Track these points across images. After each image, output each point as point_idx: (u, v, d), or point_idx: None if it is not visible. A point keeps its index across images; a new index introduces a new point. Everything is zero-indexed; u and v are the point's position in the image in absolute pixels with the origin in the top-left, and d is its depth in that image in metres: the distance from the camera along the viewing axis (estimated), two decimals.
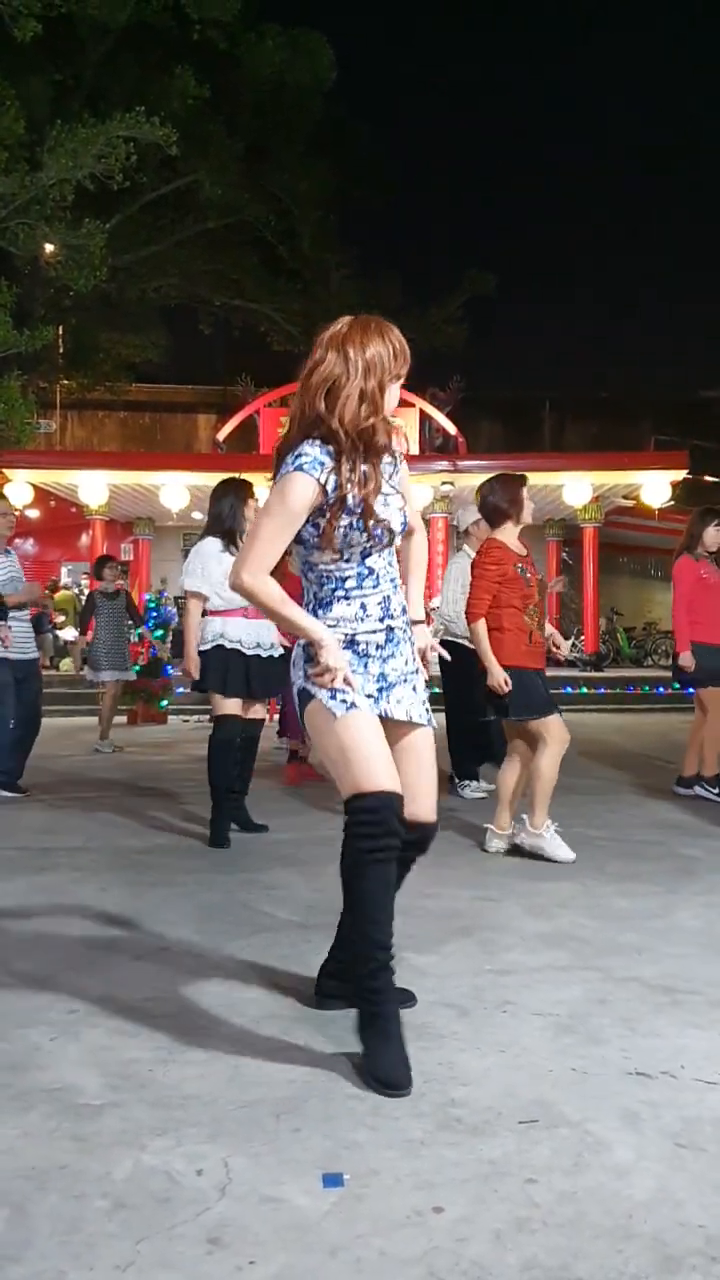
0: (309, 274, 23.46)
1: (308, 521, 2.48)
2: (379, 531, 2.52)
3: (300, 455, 2.45)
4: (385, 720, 2.56)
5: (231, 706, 5.13)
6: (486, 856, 4.76)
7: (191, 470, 17.68)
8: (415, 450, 18.80)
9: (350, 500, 2.46)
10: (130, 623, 9.82)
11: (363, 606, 2.55)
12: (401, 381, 2.55)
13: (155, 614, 13.36)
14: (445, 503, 17.76)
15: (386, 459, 2.56)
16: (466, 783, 6.54)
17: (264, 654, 5.16)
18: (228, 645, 5.05)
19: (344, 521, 2.47)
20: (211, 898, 4.00)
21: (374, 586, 2.56)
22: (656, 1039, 2.59)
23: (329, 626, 2.52)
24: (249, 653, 5.10)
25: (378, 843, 2.41)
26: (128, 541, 20.44)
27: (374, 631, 2.57)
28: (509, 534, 4.85)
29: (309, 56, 20.37)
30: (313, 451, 2.45)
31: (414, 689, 2.64)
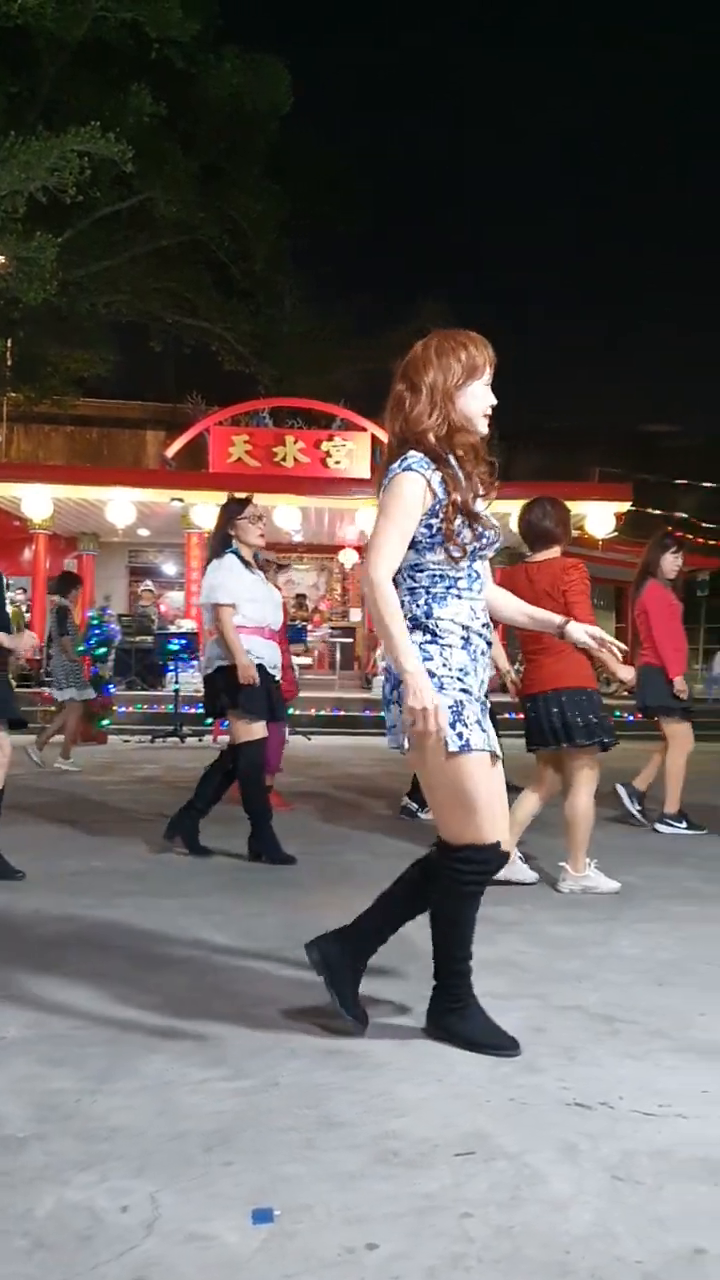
0: (262, 295, 23.52)
1: (420, 522, 2.58)
2: (484, 532, 2.63)
3: (405, 459, 2.60)
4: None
5: (259, 730, 5.04)
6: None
7: (138, 486, 17.56)
8: (366, 474, 18.85)
9: (458, 499, 2.57)
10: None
11: (472, 608, 2.64)
12: (483, 383, 2.67)
13: (98, 632, 13.19)
14: None
15: (482, 468, 2.68)
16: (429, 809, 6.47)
17: (277, 676, 5.14)
18: (255, 661, 4.97)
19: (456, 520, 2.57)
20: (148, 922, 3.92)
21: (479, 592, 2.67)
22: (595, 1068, 2.57)
23: (445, 621, 2.59)
24: (269, 671, 5.07)
25: (481, 886, 2.68)
26: (72, 557, 20.23)
27: (480, 635, 2.65)
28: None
29: (267, 80, 20.50)
30: (416, 455, 2.60)
31: (491, 715, 2.70)
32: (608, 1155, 2.12)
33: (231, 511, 5.15)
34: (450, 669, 2.57)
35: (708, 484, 22.80)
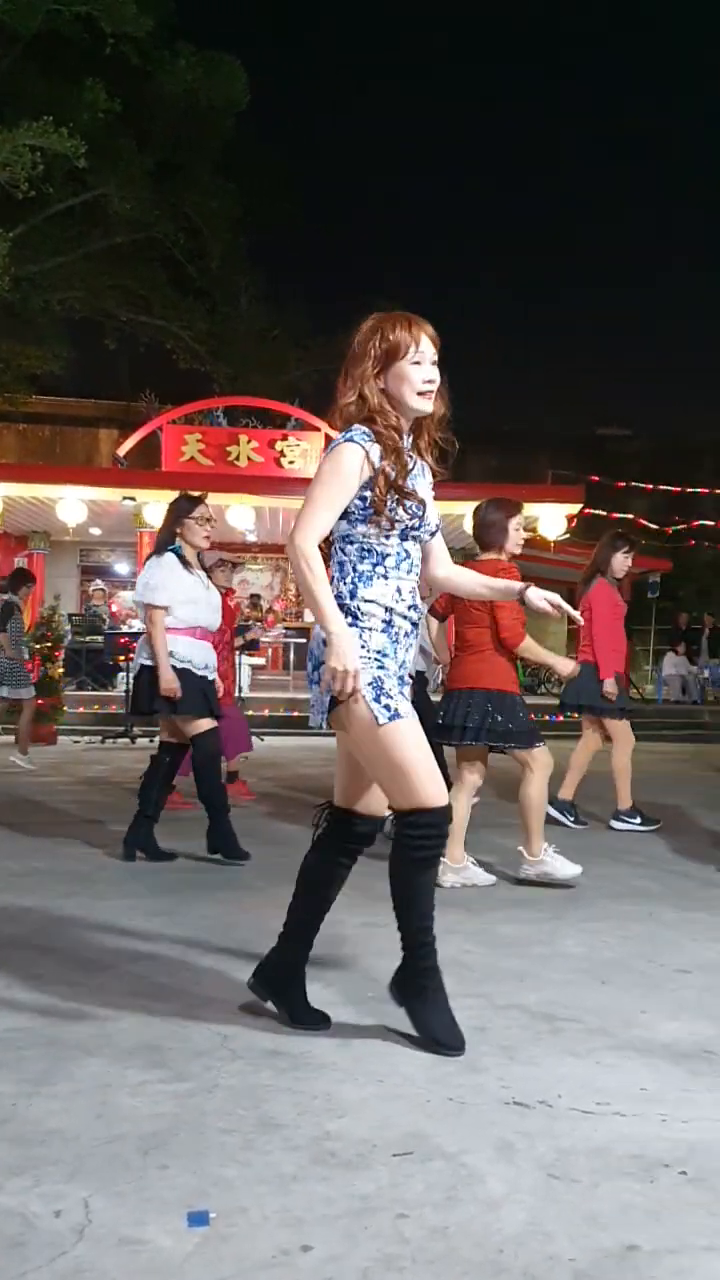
0: (217, 294, 23.41)
1: (355, 494, 2.62)
2: (416, 510, 2.66)
3: (350, 431, 2.65)
4: None
5: (204, 724, 4.99)
6: (378, 881, 4.70)
7: (90, 485, 17.36)
8: None
9: (392, 475, 2.61)
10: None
11: (398, 590, 2.67)
12: (409, 361, 2.65)
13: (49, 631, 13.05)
14: None
15: (410, 452, 2.73)
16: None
17: (211, 676, 5.09)
18: (178, 664, 4.92)
19: (391, 496, 2.61)
20: (91, 923, 3.88)
21: (408, 572, 2.69)
22: (534, 1068, 2.58)
23: (367, 602, 2.64)
24: (199, 673, 5.00)
25: (433, 852, 2.72)
26: (22, 555, 19.99)
27: (405, 617, 2.68)
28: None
29: (223, 78, 20.40)
30: (360, 428, 2.65)
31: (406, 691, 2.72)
32: (544, 1154, 2.13)
33: (181, 510, 5.11)
34: (369, 651, 2.63)
35: (661, 486, 23.03)
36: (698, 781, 6.75)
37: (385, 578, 2.66)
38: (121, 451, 19.53)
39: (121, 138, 19.73)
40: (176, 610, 4.93)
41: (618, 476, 22.71)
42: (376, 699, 2.59)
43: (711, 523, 22.15)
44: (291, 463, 18.78)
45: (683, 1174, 2.05)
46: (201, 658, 5.05)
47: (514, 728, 4.56)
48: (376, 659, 2.63)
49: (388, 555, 2.67)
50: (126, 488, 17.27)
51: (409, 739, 2.62)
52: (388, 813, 2.82)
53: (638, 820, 6.35)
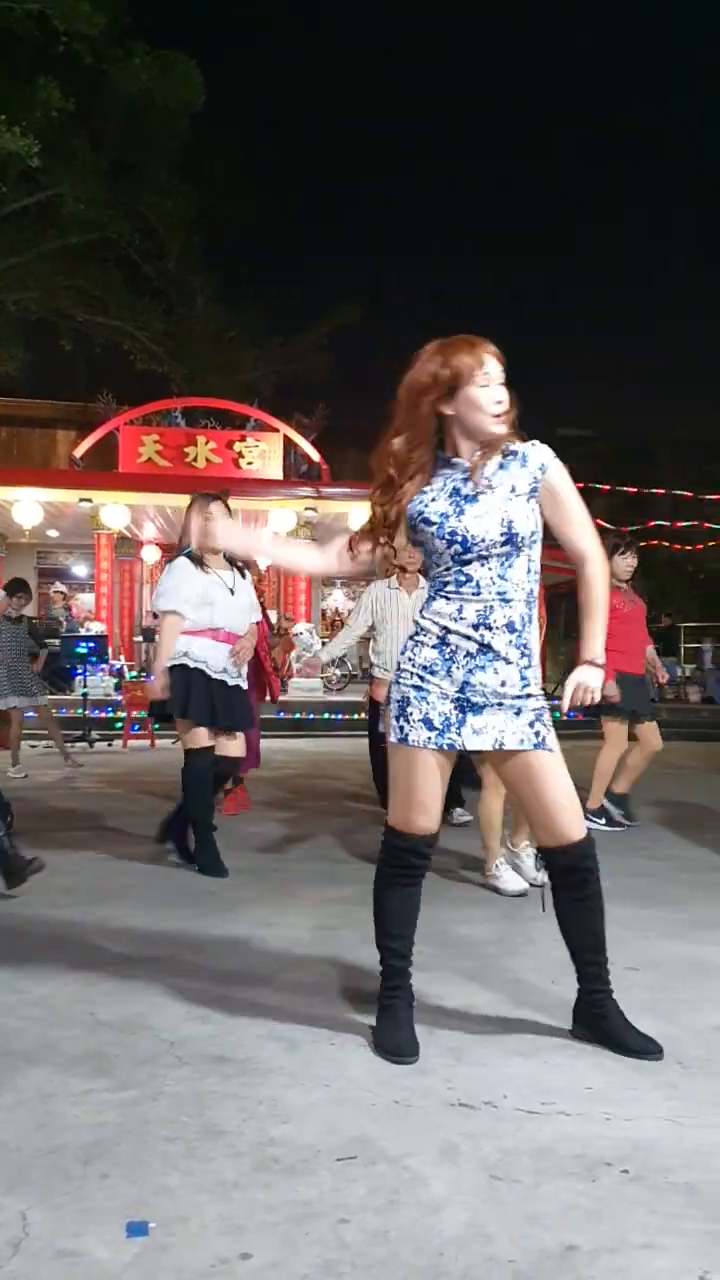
0: (174, 294, 23.30)
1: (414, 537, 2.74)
2: (458, 536, 2.62)
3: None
4: (463, 751, 2.70)
5: (202, 738, 4.89)
6: (329, 885, 4.71)
7: (46, 486, 17.26)
8: (279, 475, 18.81)
9: (424, 511, 2.67)
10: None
11: (460, 609, 2.66)
12: (476, 386, 2.62)
13: None
14: (309, 529, 17.79)
15: (459, 472, 2.69)
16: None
17: (230, 680, 4.94)
18: (191, 664, 4.84)
19: (425, 531, 2.67)
20: (37, 931, 3.84)
21: (474, 594, 2.65)
22: (481, 1068, 2.58)
23: (429, 620, 2.69)
24: (215, 676, 4.88)
25: (399, 872, 2.76)
26: None
27: (467, 637, 2.64)
28: None
29: (177, 77, 20.31)
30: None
31: (517, 713, 2.66)
32: (488, 1155, 2.13)
33: (194, 510, 5.03)
34: (415, 664, 2.69)
35: (619, 487, 23.21)
36: (650, 777, 6.80)
37: (447, 598, 2.68)
38: (78, 453, 19.40)
39: (75, 137, 19.58)
40: (190, 613, 4.86)
41: (577, 477, 22.86)
42: (396, 718, 2.70)
43: (669, 523, 22.37)
44: (250, 463, 18.75)
45: (624, 1173, 2.06)
46: (217, 659, 4.91)
47: None
48: (419, 673, 2.68)
49: (447, 582, 2.68)
50: (83, 489, 17.17)
51: (409, 765, 2.69)
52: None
53: (603, 821, 6.41)
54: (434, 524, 2.65)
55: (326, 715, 14.41)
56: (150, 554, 20.05)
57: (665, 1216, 1.90)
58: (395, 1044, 2.67)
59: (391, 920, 2.79)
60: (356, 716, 13.59)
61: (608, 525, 21.25)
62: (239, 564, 5.12)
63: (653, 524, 22.11)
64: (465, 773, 5.64)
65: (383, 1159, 2.10)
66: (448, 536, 2.63)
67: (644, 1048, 2.67)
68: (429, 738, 2.64)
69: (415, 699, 2.66)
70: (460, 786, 6.33)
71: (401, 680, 2.71)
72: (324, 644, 12.45)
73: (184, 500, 17.28)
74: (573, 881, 2.75)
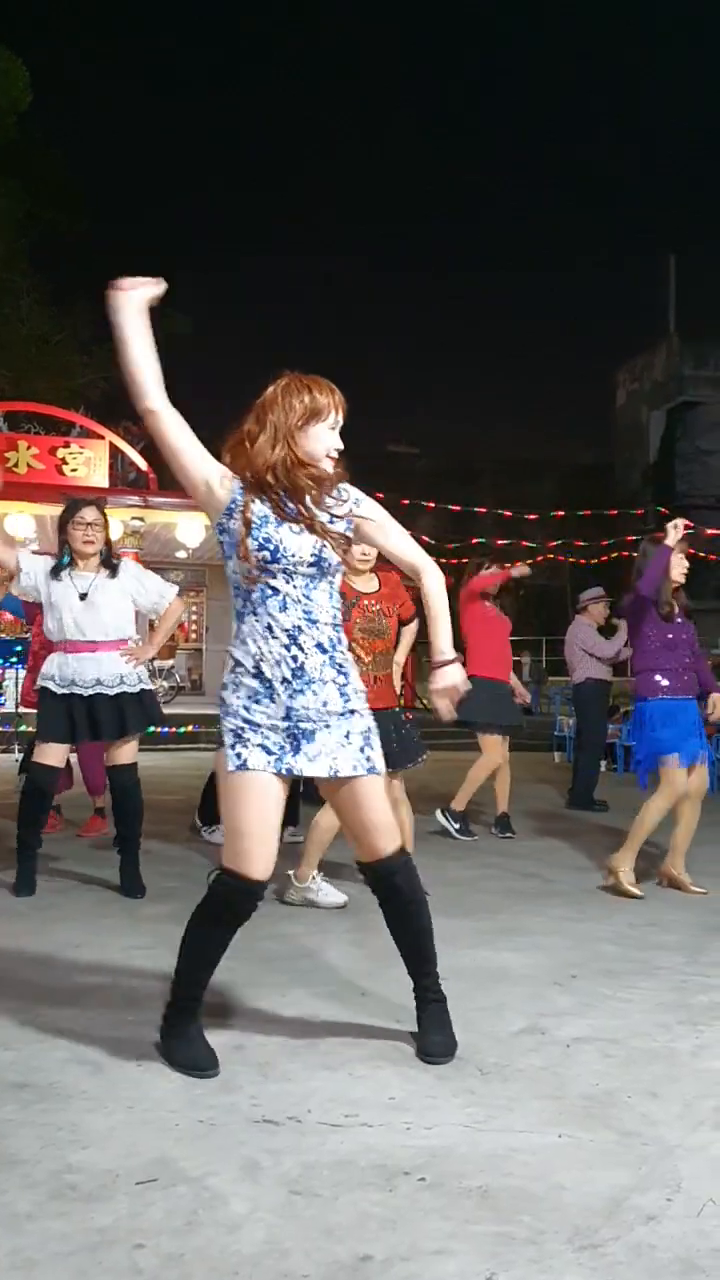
0: None
1: (221, 530, 2.70)
2: (279, 552, 2.65)
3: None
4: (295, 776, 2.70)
5: (49, 754, 4.72)
6: (142, 904, 4.63)
7: None
8: (105, 483, 18.44)
9: (250, 520, 2.66)
10: None
11: (269, 628, 2.67)
12: (327, 425, 2.74)
13: None
14: (136, 538, 17.49)
15: (306, 499, 2.71)
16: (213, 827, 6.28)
17: (89, 692, 4.70)
18: (40, 682, 4.72)
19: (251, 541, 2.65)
20: None
21: (280, 609, 2.67)
22: (287, 1083, 2.60)
23: (239, 644, 2.70)
24: (60, 691, 4.69)
25: (227, 916, 2.71)
26: None
27: (279, 661, 2.65)
28: None
29: (3, 76, 19.75)
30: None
31: (346, 735, 2.71)
32: (289, 1170, 2.15)
33: (63, 516, 4.85)
34: (239, 697, 2.69)
35: (444, 505, 23.74)
36: (489, 792, 7.00)
37: (255, 614, 2.69)
38: None
39: None
40: (46, 622, 4.74)
41: (404, 494, 23.26)
42: (232, 745, 2.66)
43: (489, 540, 23.00)
44: (74, 470, 18.29)
45: (421, 1180, 2.12)
46: (68, 674, 4.71)
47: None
48: (244, 705, 2.68)
49: (251, 594, 2.70)
50: None
51: (246, 794, 2.64)
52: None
53: (456, 826, 6.64)
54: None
55: (150, 729, 14.17)
56: None
57: (458, 1221, 1.96)
58: (193, 1059, 2.67)
59: (203, 963, 2.75)
60: (183, 730, 13.47)
61: (431, 541, 21.73)
62: (115, 563, 4.88)
63: (475, 541, 22.71)
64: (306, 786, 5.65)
65: (183, 1180, 2.09)
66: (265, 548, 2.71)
67: (425, 1048, 2.80)
68: (267, 761, 2.65)
69: (248, 730, 2.66)
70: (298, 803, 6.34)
71: (229, 714, 2.69)
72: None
73: (5, 507, 16.61)
74: (387, 894, 2.84)
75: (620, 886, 4.93)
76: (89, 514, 4.82)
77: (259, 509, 2.68)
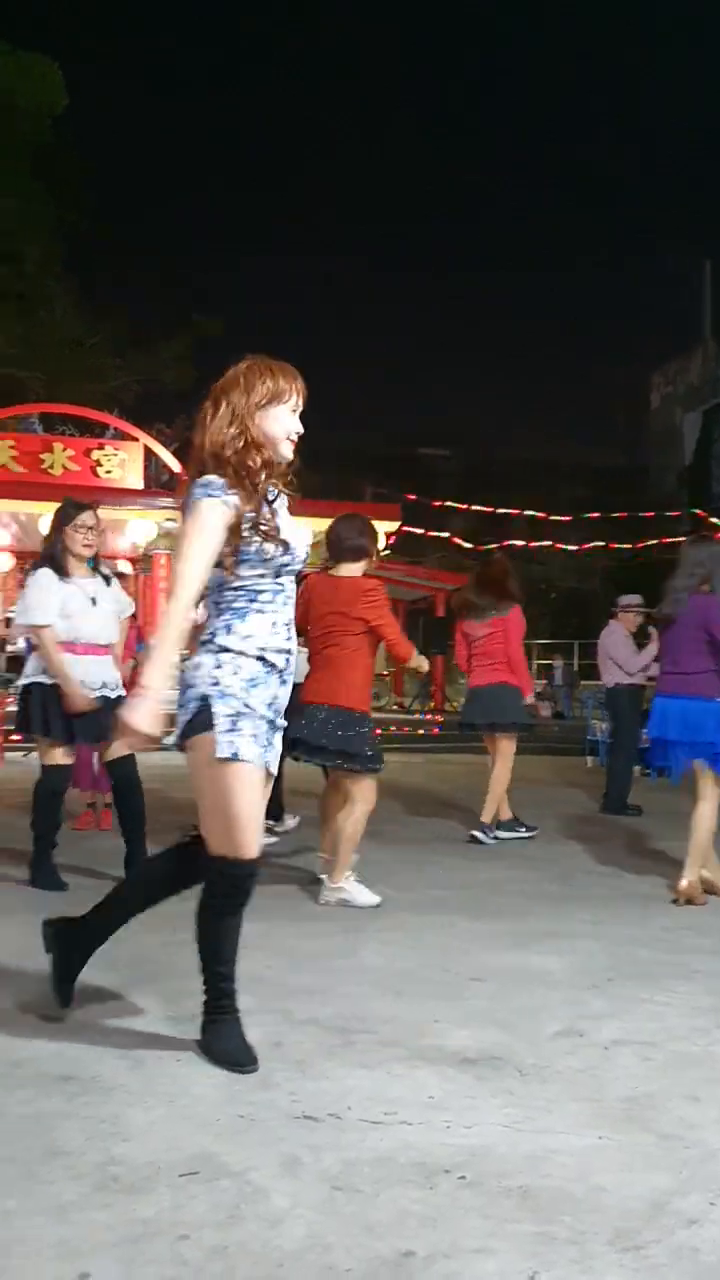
0: (32, 297, 22.79)
1: (226, 541, 2.65)
2: (292, 547, 2.71)
3: (206, 485, 2.64)
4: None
5: (60, 755, 4.80)
6: (181, 899, 4.65)
7: None
8: (139, 485, 18.55)
9: (254, 516, 2.65)
10: None
11: (274, 624, 2.71)
12: (288, 408, 2.75)
13: None
14: (169, 539, 17.58)
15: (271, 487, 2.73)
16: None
17: (104, 693, 4.80)
18: (47, 682, 4.73)
19: (256, 536, 2.65)
20: None
21: (283, 606, 2.74)
22: (326, 1081, 2.61)
23: (239, 639, 2.66)
24: (95, 692, 4.77)
25: (234, 902, 2.75)
26: None
27: (280, 651, 2.71)
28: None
29: (37, 79, 19.93)
30: (215, 480, 2.65)
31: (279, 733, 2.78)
32: (329, 1166, 2.16)
33: (65, 517, 4.89)
34: (240, 678, 2.66)
35: (475, 507, 23.72)
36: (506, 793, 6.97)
37: (261, 612, 2.71)
38: None
39: None
40: (58, 625, 4.77)
41: (435, 495, 23.28)
42: (226, 732, 2.62)
43: (522, 542, 22.95)
44: (109, 472, 18.44)
45: (461, 1179, 2.12)
46: (91, 674, 4.79)
47: (372, 752, 4.64)
48: (244, 687, 2.66)
49: (262, 592, 2.71)
50: None
51: (239, 783, 2.65)
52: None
53: (522, 830, 6.73)
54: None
55: None
56: (3, 561, 19.50)
57: (498, 1220, 1.96)
58: (233, 1054, 2.70)
59: (227, 950, 2.79)
60: None
61: (464, 543, 21.71)
62: (106, 571, 5.07)
63: (507, 544, 22.66)
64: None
65: (224, 1174, 2.11)
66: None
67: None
68: (257, 754, 2.68)
69: (247, 715, 2.66)
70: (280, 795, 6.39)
71: (226, 695, 2.64)
72: None
73: (40, 508, 16.80)
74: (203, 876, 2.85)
75: (693, 898, 4.85)
76: (90, 518, 4.91)
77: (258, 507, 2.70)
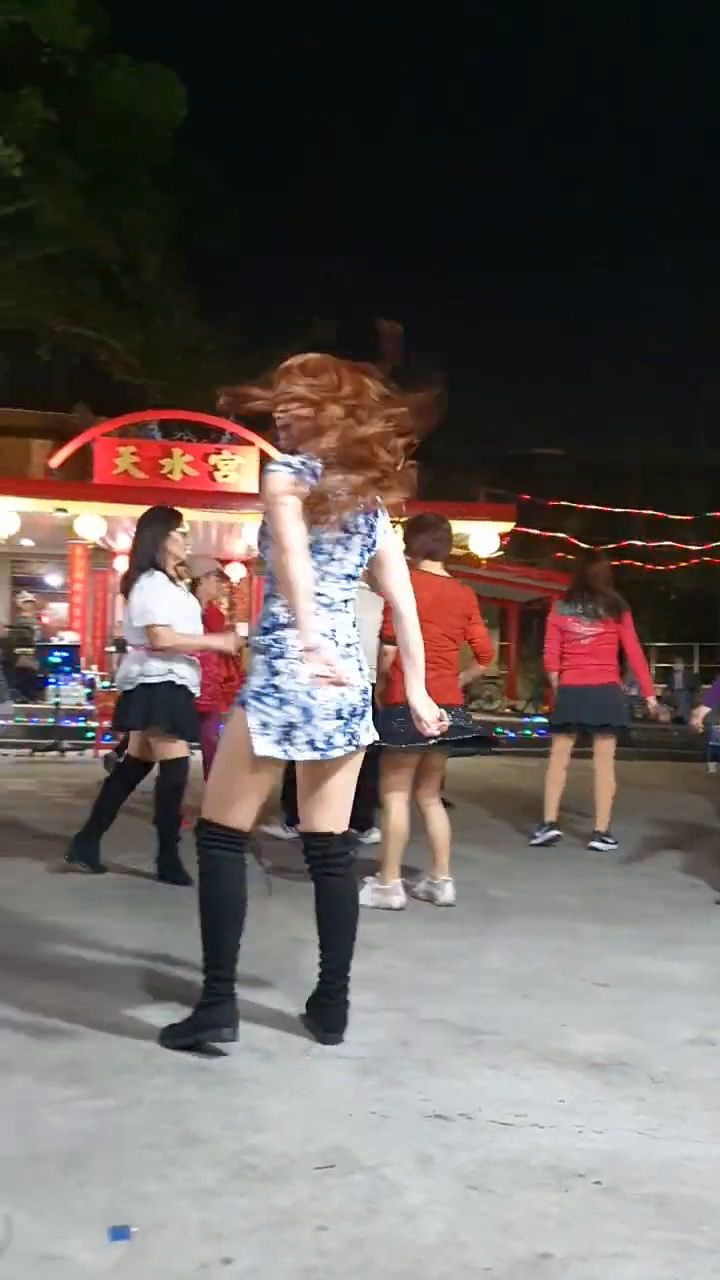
0: (151, 306, 23.30)
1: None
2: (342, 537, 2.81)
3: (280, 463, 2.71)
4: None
5: (182, 749, 5.05)
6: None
7: (21, 496, 17.19)
8: (255, 489, 18.82)
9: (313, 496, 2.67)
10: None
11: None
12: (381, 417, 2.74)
13: None
14: None
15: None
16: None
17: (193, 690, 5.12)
18: (177, 681, 4.96)
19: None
20: (14, 940, 3.84)
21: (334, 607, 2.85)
22: (455, 1080, 2.62)
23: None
24: (195, 690, 5.10)
25: (212, 860, 2.85)
26: None
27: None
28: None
29: (159, 91, 20.35)
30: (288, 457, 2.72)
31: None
32: (462, 1165, 2.17)
33: (167, 524, 5.06)
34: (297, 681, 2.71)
35: (591, 506, 23.38)
36: (621, 797, 6.86)
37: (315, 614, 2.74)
38: (54, 463, 19.30)
39: (56, 149, 19.57)
40: (176, 626, 4.96)
41: (549, 495, 23.00)
42: (262, 728, 2.72)
43: (641, 543, 22.56)
44: (225, 477, 18.76)
45: (596, 1183, 2.11)
46: (194, 676, 5.09)
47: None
48: (307, 692, 2.73)
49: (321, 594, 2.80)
50: (59, 499, 17.11)
51: (245, 766, 2.78)
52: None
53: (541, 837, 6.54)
54: None
55: None
56: (123, 565, 20.01)
57: (636, 1226, 1.95)
58: (218, 1022, 2.74)
59: (213, 935, 2.87)
60: None
61: (581, 544, 21.42)
62: (186, 578, 5.36)
63: (625, 543, 22.29)
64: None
65: (359, 1168, 2.14)
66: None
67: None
68: (276, 749, 2.76)
69: (299, 721, 2.75)
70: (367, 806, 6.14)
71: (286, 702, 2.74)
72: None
73: None
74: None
75: None
76: (186, 526, 5.18)
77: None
